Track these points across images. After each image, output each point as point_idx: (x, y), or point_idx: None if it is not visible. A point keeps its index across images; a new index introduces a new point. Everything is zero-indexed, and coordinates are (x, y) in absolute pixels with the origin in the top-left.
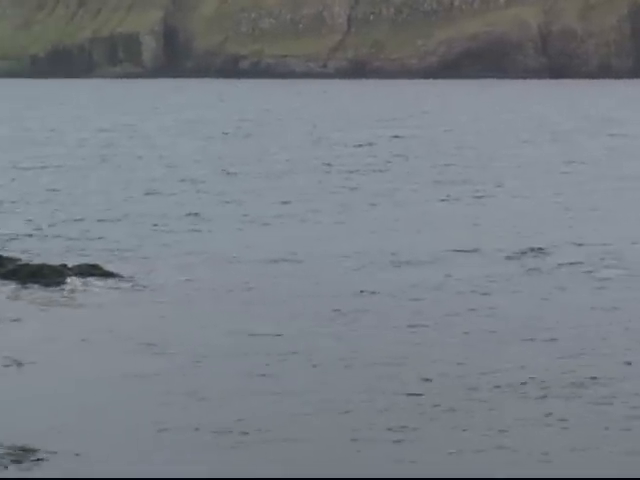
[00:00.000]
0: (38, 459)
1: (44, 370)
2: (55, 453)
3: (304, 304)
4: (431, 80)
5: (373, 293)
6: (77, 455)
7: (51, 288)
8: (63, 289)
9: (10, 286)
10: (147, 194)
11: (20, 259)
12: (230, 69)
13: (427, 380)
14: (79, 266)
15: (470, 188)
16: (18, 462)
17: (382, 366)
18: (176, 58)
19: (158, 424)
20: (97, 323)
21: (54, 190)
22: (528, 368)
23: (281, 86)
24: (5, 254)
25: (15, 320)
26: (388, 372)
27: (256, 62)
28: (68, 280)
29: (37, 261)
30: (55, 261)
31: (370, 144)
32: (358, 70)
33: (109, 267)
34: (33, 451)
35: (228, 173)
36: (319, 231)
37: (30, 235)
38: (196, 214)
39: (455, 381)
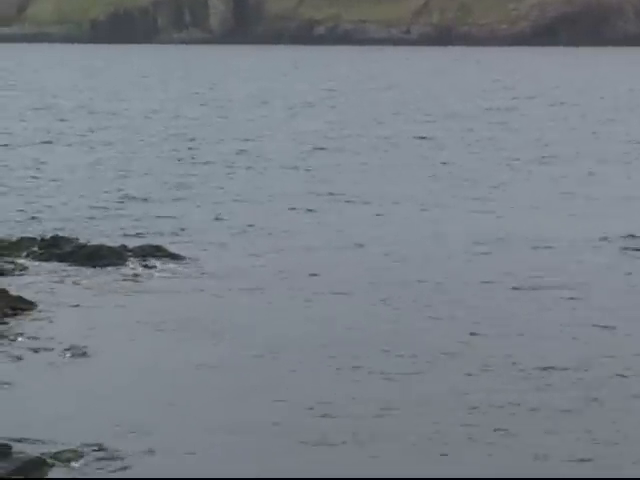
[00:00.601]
0: (108, 457)
1: (109, 361)
2: (127, 450)
3: (387, 291)
4: (523, 47)
5: (463, 282)
6: (150, 452)
7: (110, 271)
8: (123, 272)
9: (67, 269)
10: (222, 171)
11: (77, 239)
12: (304, 35)
13: (523, 377)
14: (140, 247)
15: (573, 166)
16: (89, 459)
17: (469, 361)
18: (246, 23)
19: (231, 420)
20: (161, 310)
21: (117, 166)
22: (625, 362)
23: (360, 53)
24: (61, 234)
25: (74, 306)
26: (477, 367)
27: (332, 28)
28: (129, 262)
29: (95, 242)
30: (115, 242)
31: (462, 116)
32: (443, 36)
33: (173, 249)
34: (103, 448)
35: (313, 148)
36: (406, 213)
37: (89, 214)
38: (274, 194)
39: (551, 377)
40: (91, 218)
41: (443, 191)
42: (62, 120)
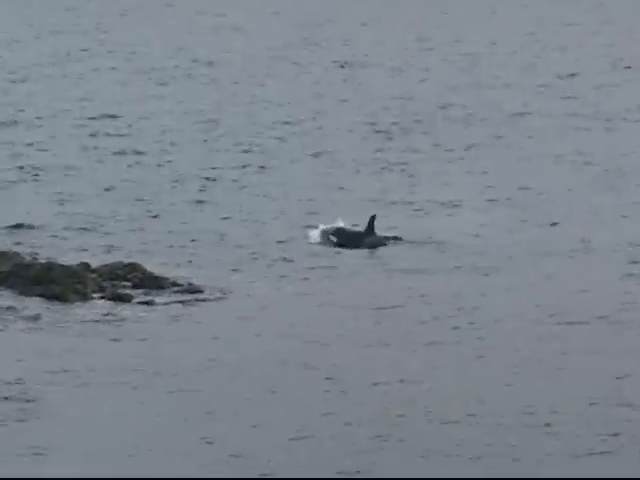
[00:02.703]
0: None
1: (56, 415)
2: None
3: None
4: None
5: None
6: None
7: (63, 302)
8: (81, 304)
9: (3, 297)
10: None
11: (19, 254)
12: None
13: None
14: (109, 266)
15: None
16: None
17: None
18: None
19: None
20: (132, 357)
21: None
22: None
23: None
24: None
25: (10, 352)
26: None
27: None
28: (90, 288)
29: (46, 257)
30: (74, 258)
31: None
32: None
33: (153, 267)
34: None
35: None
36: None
37: (45, 220)
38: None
39: None
40: (41, 228)
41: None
42: None
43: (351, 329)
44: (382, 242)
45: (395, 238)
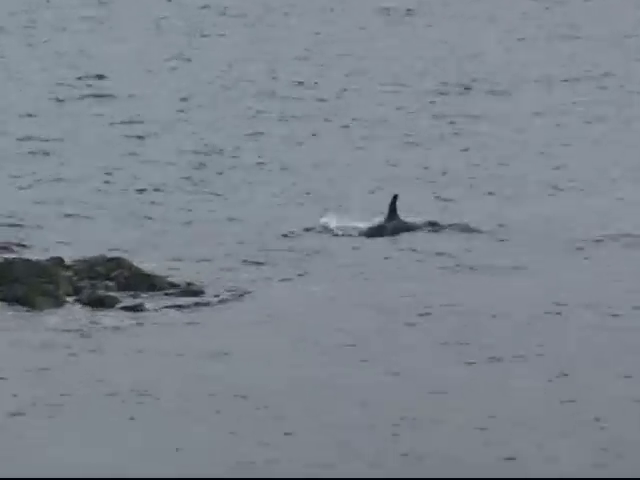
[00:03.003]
0: None
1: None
2: None
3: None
4: None
5: None
6: None
7: (28, 307)
8: (51, 306)
9: None
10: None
11: None
12: None
13: None
14: (87, 261)
15: None
16: None
17: None
18: None
19: None
20: (115, 376)
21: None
22: None
23: None
24: None
25: None
26: None
27: None
28: (62, 289)
29: (14, 253)
30: (44, 253)
31: None
32: None
33: (145, 264)
34: None
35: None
36: None
37: (10, 208)
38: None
39: None
40: (19, 213)
41: None
42: None
43: (386, 340)
44: (408, 227)
45: (430, 224)
